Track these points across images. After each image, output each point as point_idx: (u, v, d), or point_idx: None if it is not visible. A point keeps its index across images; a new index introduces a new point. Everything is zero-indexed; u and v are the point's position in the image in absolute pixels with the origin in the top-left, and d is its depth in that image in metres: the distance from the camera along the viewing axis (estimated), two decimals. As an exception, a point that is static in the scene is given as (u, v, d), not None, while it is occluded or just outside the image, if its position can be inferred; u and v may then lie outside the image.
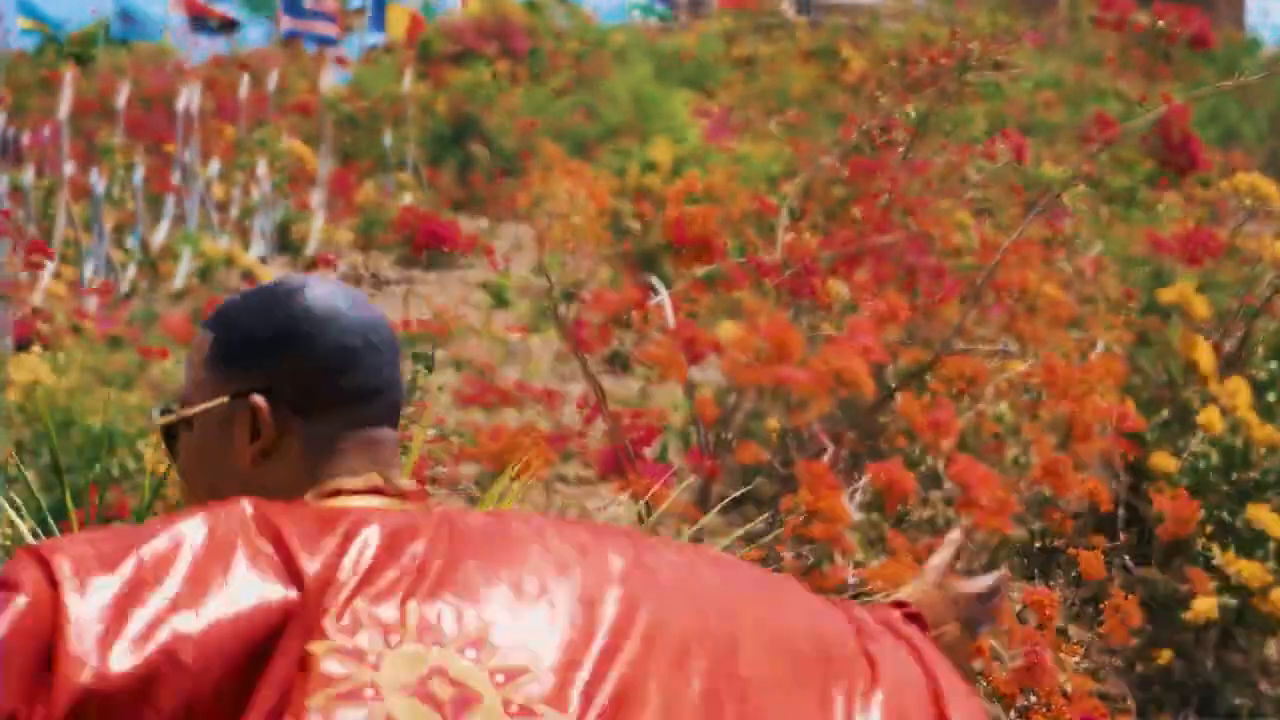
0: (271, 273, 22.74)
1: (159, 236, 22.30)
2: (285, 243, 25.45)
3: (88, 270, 19.88)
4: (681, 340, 9.98)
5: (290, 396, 2.39)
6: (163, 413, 2.45)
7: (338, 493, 2.37)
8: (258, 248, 24.03)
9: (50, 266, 18.58)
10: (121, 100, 24.59)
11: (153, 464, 10.10)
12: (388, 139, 29.29)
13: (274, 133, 25.84)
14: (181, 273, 21.13)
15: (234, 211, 24.62)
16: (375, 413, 2.42)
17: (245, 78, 27.74)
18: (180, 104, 24.14)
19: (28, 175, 21.43)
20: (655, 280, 10.69)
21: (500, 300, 22.15)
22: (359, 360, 2.40)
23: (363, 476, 2.38)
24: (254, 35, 38.84)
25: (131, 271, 21.04)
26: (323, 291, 2.43)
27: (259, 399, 2.37)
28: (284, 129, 26.33)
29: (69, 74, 24.29)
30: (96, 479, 9.63)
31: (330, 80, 31.90)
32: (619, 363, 15.08)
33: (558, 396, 13.96)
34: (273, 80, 28.65)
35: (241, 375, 2.39)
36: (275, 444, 2.39)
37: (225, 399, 2.39)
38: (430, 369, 17.86)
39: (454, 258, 24.69)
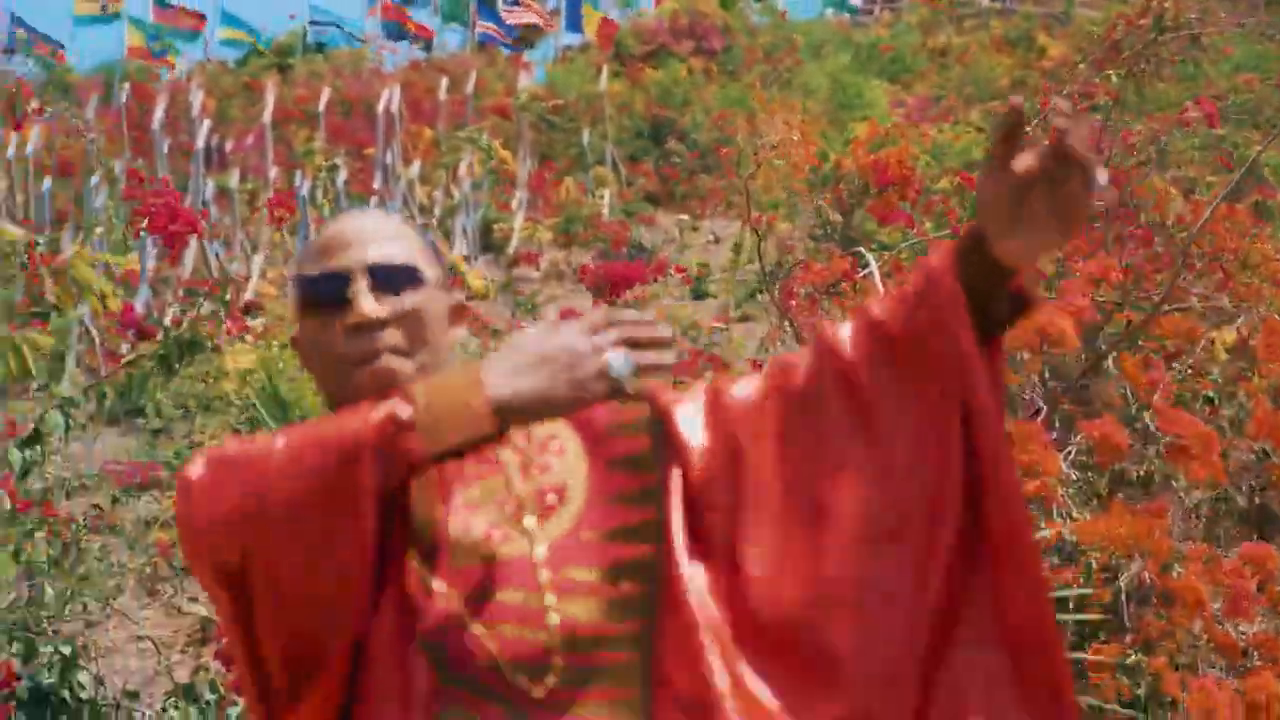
0: (476, 271, 22.94)
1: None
2: (487, 242, 25.65)
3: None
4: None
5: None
6: (406, 277, 2.69)
7: None
8: (460, 247, 24.23)
9: (258, 267, 18.86)
10: (322, 105, 24.92)
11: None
12: (586, 138, 29.44)
13: (477, 132, 26.07)
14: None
15: (436, 212, 24.84)
16: None
17: (444, 81, 28.00)
18: (380, 107, 24.41)
19: (233, 180, 21.78)
20: (865, 251, 10.57)
21: (701, 293, 22.16)
22: None
23: None
24: (450, 41, 39.20)
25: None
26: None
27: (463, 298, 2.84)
28: (484, 129, 26.52)
29: (271, 81, 24.65)
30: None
31: (526, 82, 32.11)
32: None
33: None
34: (470, 83, 28.91)
35: (439, 273, 2.77)
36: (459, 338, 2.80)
37: (457, 298, 2.80)
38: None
39: (655, 249, 24.75)
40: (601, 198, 27.76)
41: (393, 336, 2.62)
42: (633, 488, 2.62)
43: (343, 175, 22.59)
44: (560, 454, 2.67)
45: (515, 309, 21.81)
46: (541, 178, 27.89)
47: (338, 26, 33.62)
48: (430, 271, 2.70)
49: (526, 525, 2.58)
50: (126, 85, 26.62)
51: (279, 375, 11.55)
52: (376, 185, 23.82)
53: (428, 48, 36.30)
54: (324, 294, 2.64)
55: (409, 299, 2.65)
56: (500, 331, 19.39)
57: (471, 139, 25.60)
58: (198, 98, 23.70)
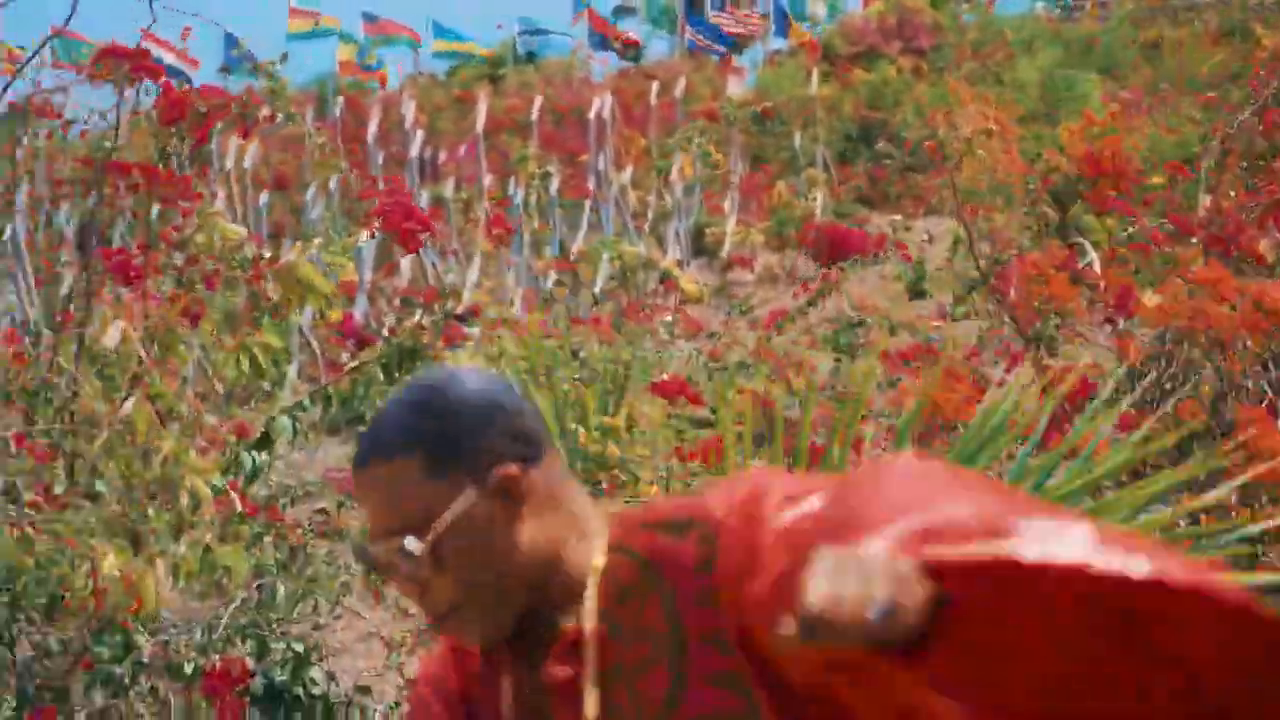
0: (689, 275, 22.95)
1: (576, 243, 22.66)
2: (700, 246, 25.68)
3: (509, 278, 20.28)
4: (1113, 296, 9.76)
5: (516, 458, 2.56)
6: (401, 551, 2.53)
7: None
8: (673, 252, 24.27)
9: (474, 276, 19.00)
10: (535, 113, 25.09)
11: (583, 441, 10.24)
12: (796, 140, 29.39)
13: (696, 131, 26.14)
14: (601, 276, 21.42)
15: (649, 217, 24.91)
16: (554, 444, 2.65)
17: (654, 86, 28.09)
18: (591, 114, 24.53)
19: (447, 189, 21.98)
20: (1084, 242, 10.44)
21: (917, 290, 22.03)
22: (527, 410, 2.60)
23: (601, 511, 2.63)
24: (658, 48, 39.31)
25: (551, 278, 21.40)
26: (453, 377, 2.61)
27: (510, 468, 2.54)
28: (695, 134, 26.57)
29: (483, 92, 24.87)
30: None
31: (736, 86, 32.11)
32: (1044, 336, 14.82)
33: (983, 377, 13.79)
34: (679, 88, 28.97)
35: (465, 469, 2.53)
36: (534, 504, 2.56)
37: (471, 492, 2.53)
38: (853, 357, 17.88)
39: (868, 255, 24.63)
40: (814, 200, 27.67)
41: (439, 598, 2.57)
42: None
43: (555, 182, 22.72)
44: None
45: (729, 312, 21.79)
46: (753, 181, 27.87)
47: (546, 33, 33.81)
48: (436, 507, 2.55)
49: None
50: (340, 100, 26.99)
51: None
52: (590, 189, 23.94)
53: (636, 56, 36.42)
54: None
55: (422, 578, 2.55)
56: (716, 334, 19.40)
57: (688, 138, 25.65)
58: (410, 109, 23.94)
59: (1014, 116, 13.99)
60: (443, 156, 24.88)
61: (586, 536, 2.58)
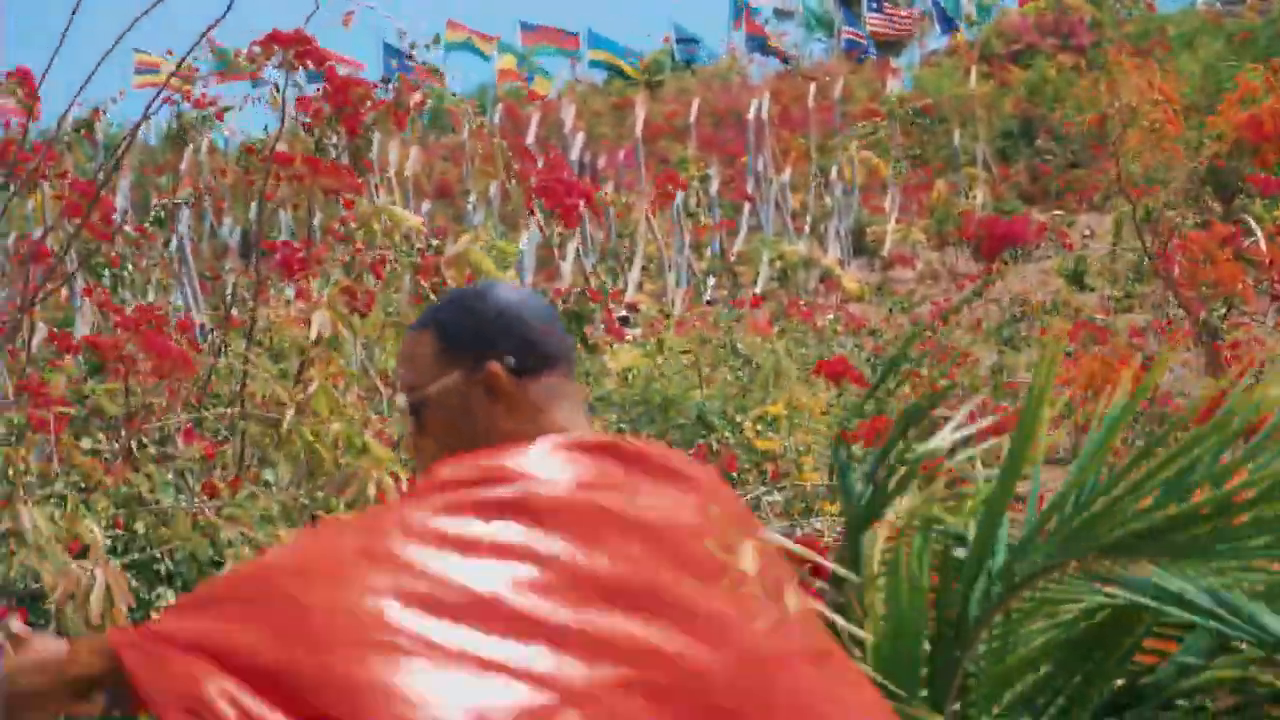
0: (850, 274, 22.88)
1: (736, 244, 22.65)
2: (860, 245, 25.59)
3: (670, 279, 20.30)
4: (1278, 274, 9.62)
5: (513, 365, 3.04)
6: (409, 395, 3.11)
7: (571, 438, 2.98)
8: (834, 251, 24.20)
9: (635, 278, 19.03)
10: (693, 116, 25.12)
11: (750, 436, 10.22)
12: (956, 138, 29.23)
13: (854, 132, 26.07)
14: (762, 276, 21.39)
15: (808, 218, 24.85)
16: (567, 372, 3.12)
17: (811, 88, 28.04)
18: (749, 116, 24.52)
19: (607, 192, 22.05)
20: (1248, 218, 10.29)
21: (1079, 284, 21.82)
22: (553, 331, 3.12)
23: (583, 425, 3.06)
24: (815, 51, 39.23)
25: (712, 278, 21.40)
26: (505, 289, 3.16)
27: (496, 366, 3.03)
28: (855, 135, 26.52)
29: (640, 97, 24.94)
30: (697, 454, 9.81)
31: (894, 86, 31.99)
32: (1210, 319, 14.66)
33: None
34: (837, 90, 28.90)
35: (465, 356, 3.05)
36: (510, 402, 3.05)
37: (457, 374, 3.05)
38: (1016, 350, 17.75)
39: (1029, 248, 24.44)
40: (974, 197, 27.51)
41: (416, 456, 3.13)
42: None
43: (715, 184, 22.72)
44: None
45: (891, 309, 21.69)
46: (913, 180, 27.76)
47: (696, 42, 33.84)
48: (434, 375, 3.08)
49: None
50: (499, 107, 27.17)
51: (659, 377, 11.61)
52: (749, 192, 23.92)
53: (786, 60, 36.36)
54: None
55: (414, 426, 3.11)
56: (877, 331, 19.31)
57: (849, 140, 25.59)
58: (569, 114, 24.04)
59: (1176, 105, 13.82)
60: (602, 161, 24.96)
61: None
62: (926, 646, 3.63)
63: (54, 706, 2.80)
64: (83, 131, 7.99)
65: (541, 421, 3.02)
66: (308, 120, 7.51)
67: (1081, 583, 3.72)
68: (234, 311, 8.33)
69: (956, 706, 3.62)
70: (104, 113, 8.00)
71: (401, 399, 3.15)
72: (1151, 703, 3.72)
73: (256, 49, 7.15)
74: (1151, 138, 11.72)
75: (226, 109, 8.88)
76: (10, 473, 5.99)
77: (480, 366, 3.04)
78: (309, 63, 7.19)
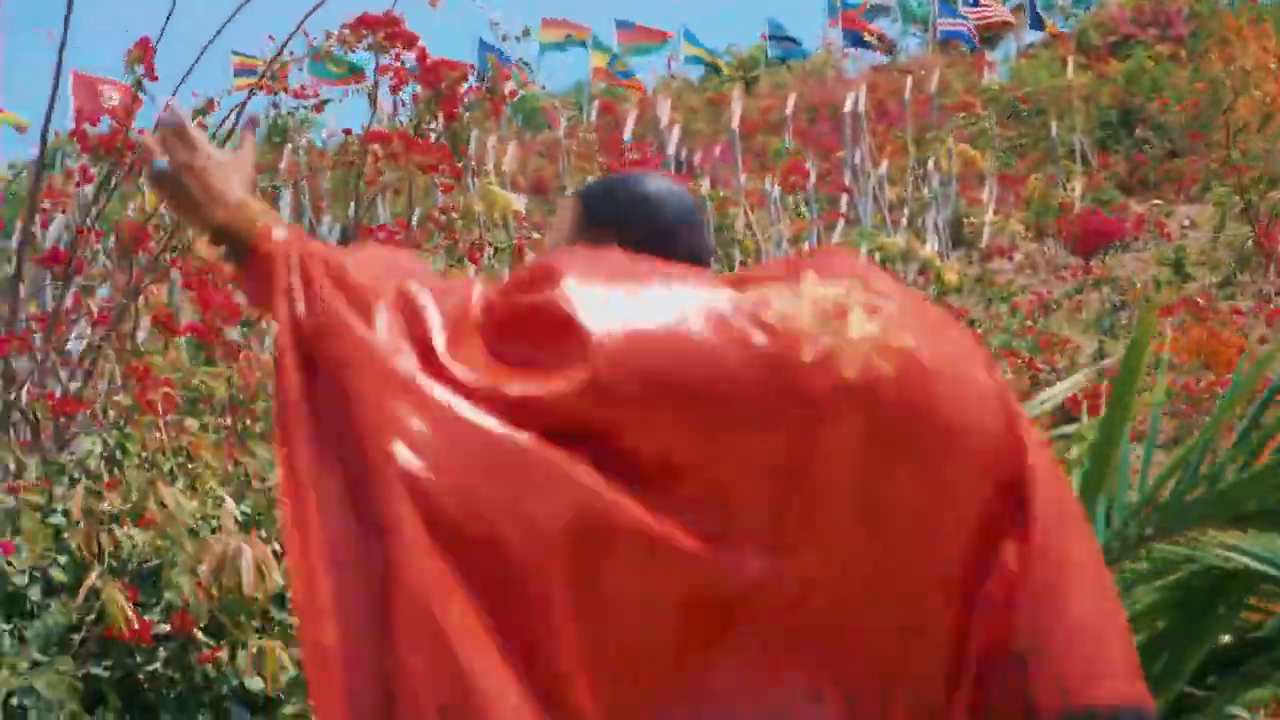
0: (949, 266, 22.80)
1: (834, 237, 22.63)
2: (959, 237, 25.51)
3: (767, 273, 20.29)
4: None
5: (636, 249, 2.99)
6: None
7: None
8: (932, 243, 24.14)
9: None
10: (789, 110, 25.12)
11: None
12: (1054, 130, 29.11)
13: (951, 125, 26.02)
14: (859, 270, 21.35)
15: (906, 210, 24.80)
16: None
17: (908, 81, 27.99)
18: (846, 110, 24.49)
19: (703, 187, 22.06)
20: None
21: (1180, 273, 21.69)
22: (686, 228, 3.11)
23: None
24: (911, 44, 39.14)
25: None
26: (658, 180, 3.18)
27: (601, 232, 3.05)
28: (952, 127, 26.46)
29: (736, 92, 24.96)
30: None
31: (990, 79, 31.88)
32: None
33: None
34: (933, 82, 28.82)
35: (601, 231, 3.08)
36: None
37: (576, 235, 3.08)
38: (1116, 339, 17.67)
39: (1128, 239, 24.32)
40: (1072, 189, 27.38)
41: None
42: None
43: (812, 177, 22.71)
44: None
45: (989, 301, 21.62)
46: (1010, 172, 27.66)
47: (793, 41, 33.84)
48: (565, 240, 3.13)
49: None
50: (594, 104, 27.24)
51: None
52: (847, 184, 23.90)
53: (889, 52, 36.29)
54: None
55: None
56: (976, 321, 19.24)
57: (946, 133, 25.53)
58: (665, 109, 24.06)
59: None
60: (698, 157, 24.99)
61: None
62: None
63: (196, 225, 2.86)
64: (198, 120, 8.06)
65: None
66: (403, 99, 7.57)
67: (1183, 549, 3.74)
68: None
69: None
70: (218, 103, 8.07)
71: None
72: (1262, 657, 3.73)
73: (346, 31, 7.22)
74: (1264, 106, 11.60)
75: (325, 101, 8.95)
76: (146, 455, 6.08)
77: (603, 240, 3.07)
78: (399, 45, 7.27)
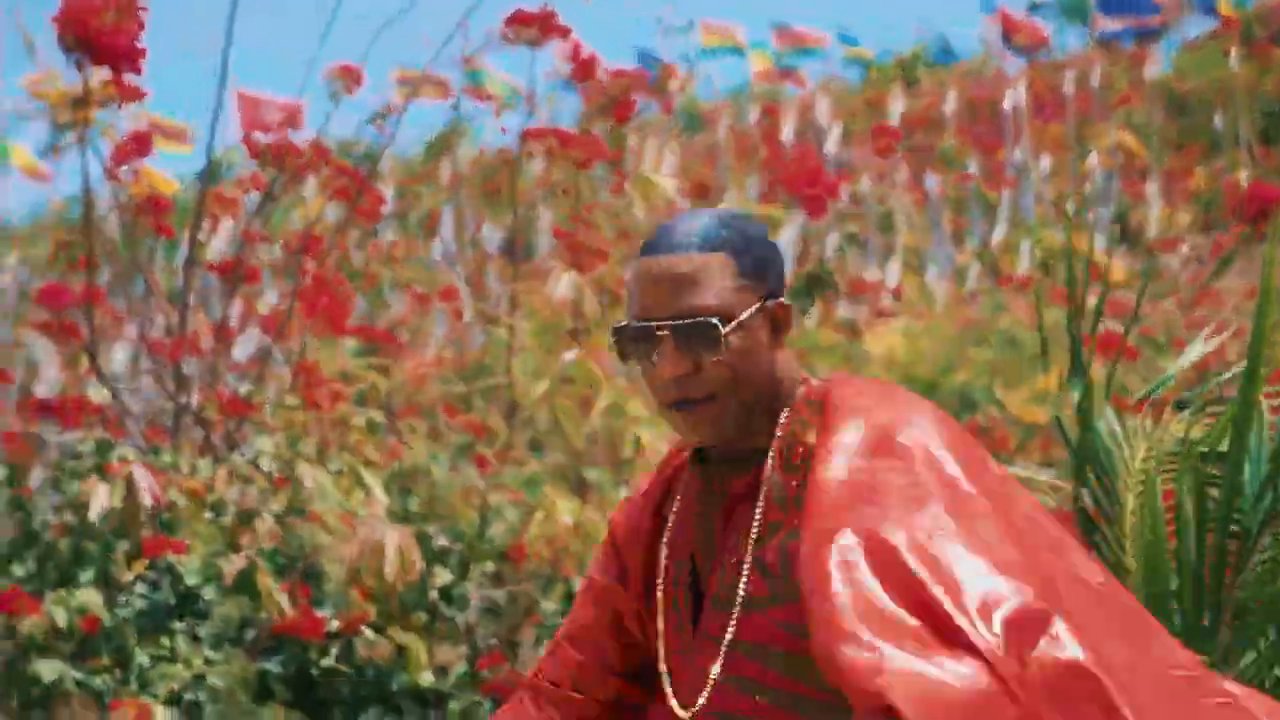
0: (1115, 263, 22.60)
1: (996, 234, 22.52)
2: (1124, 232, 25.28)
3: (930, 272, 20.24)
4: None
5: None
6: (699, 330, 2.86)
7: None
8: (1097, 239, 23.94)
9: (896, 270, 19.03)
10: (948, 108, 25.04)
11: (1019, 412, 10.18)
12: (1218, 122, 28.77)
13: (1114, 119, 25.82)
14: (1023, 266, 21.25)
15: (1069, 206, 24.61)
16: None
17: (1068, 77, 27.80)
18: (1006, 106, 24.37)
19: (863, 186, 22.05)
20: None
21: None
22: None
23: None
24: (1070, 40, 38.81)
25: (974, 270, 21.30)
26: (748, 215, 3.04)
27: (784, 301, 2.94)
28: (1115, 122, 26.24)
29: (895, 92, 24.91)
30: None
31: (1152, 72, 31.57)
32: None
33: None
34: (1094, 78, 28.60)
35: (761, 287, 2.90)
36: (783, 341, 2.95)
37: (758, 304, 2.89)
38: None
39: (1298, 228, 23.96)
40: (1237, 180, 27.06)
41: (699, 385, 2.87)
42: None
43: (974, 174, 22.61)
44: None
45: (1155, 294, 21.41)
46: (1175, 165, 27.38)
47: (949, 43, 33.69)
48: (738, 303, 2.89)
49: None
50: (754, 107, 27.25)
51: (920, 359, 11.62)
52: (1009, 181, 23.77)
53: (1047, 48, 36.01)
54: (635, 345, 2.90)
55: (710, 358, 2.86)
56: (1144, 318, 19.06)
57: (1108, 128, 25.32)
58: (824, 110, 24.05)
59: None
60: (854, 157, 24.94)
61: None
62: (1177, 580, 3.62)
63: None
64: (375, 122, 8.23)
65: (791, 361, 2.98)
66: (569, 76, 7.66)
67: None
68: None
69: (1224, 638, 3.59)
70: (389, 114, 8.21)
71: (682, 325, 2.86)
72: None
73: (507, 30, 7.31)
74: None
75: (506, 103, 9.04)
76: (295, 447, 6.18)
77: (769, 299, 2.91)
78: (555, 36, 7.36)
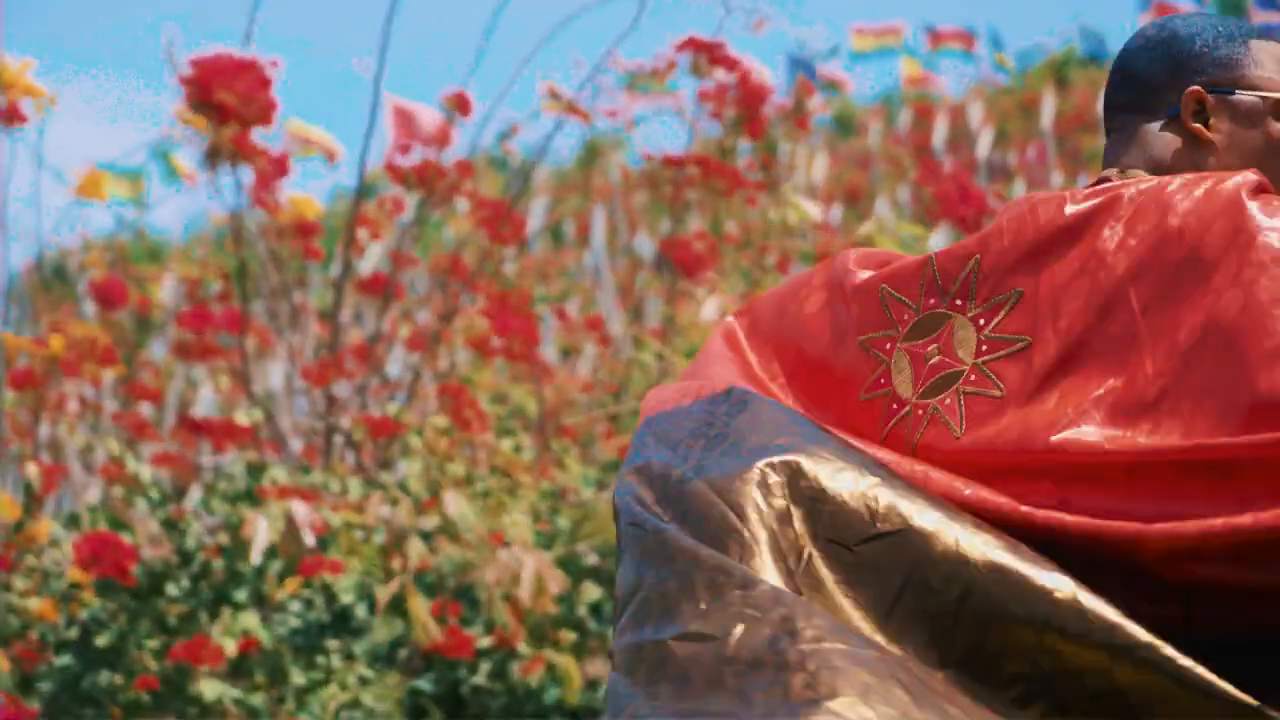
0: None
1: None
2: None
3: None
4: None
5: None
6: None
7: None
8: None
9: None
10: (1099, 107, 24.85)
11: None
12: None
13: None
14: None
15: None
16: None
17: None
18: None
19: (1017, 190, 21.89)
20: None
21: None
22: None
23: None
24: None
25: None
26: None
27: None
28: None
29: (1048, 92, 24.72)
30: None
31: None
32: None
33: None
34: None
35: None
36: None
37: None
38: None
39: None
40: None
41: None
42: None
43: (1129, 174, 22.37)
44: None
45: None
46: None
47: (1101, 37, 33.40)
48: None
49: None
50: (906, 111, 27.07)
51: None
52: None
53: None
54: None
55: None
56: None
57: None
58: (976, 112, 23.86)
59: None
60: (1011, 159, 24.75)
61: None
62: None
63: None
64: (502, 143, 8.31)
65: None
66: (713, 113, 7.67)
67: None
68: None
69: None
70: (519, 128, 8.27)
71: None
72: None
73: (673, 53, 7.35)
74: None
75: (641, 119, 9.08)
76: (437, 470, 6.23)
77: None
78: (721, 67, 7.38)
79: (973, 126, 23.62)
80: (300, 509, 5.82)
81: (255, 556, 5.95)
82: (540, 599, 5.25)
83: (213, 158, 6.94)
